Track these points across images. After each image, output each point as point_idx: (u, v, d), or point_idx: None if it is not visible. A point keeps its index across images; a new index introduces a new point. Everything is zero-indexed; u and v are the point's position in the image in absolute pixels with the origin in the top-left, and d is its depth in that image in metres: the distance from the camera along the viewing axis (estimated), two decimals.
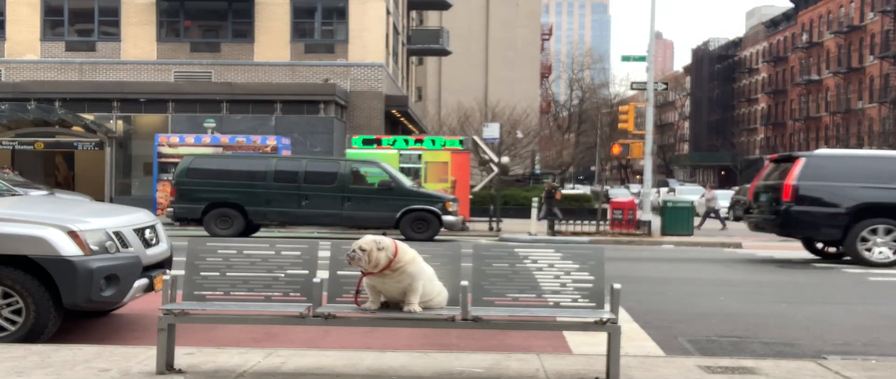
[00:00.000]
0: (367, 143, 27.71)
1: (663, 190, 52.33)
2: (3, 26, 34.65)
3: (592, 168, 79.66)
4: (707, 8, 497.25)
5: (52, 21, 35.00)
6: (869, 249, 15.95)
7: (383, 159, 23.07)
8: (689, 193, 46.07)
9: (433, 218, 20.62)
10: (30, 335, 6.88)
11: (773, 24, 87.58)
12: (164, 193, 24.87)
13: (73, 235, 6.89)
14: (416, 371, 6.10)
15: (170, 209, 21.29)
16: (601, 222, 24.48)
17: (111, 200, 28.77)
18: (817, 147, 74.23)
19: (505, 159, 38.85)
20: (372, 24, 34.83)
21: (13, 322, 6.92)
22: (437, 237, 20.53)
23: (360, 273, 5.87)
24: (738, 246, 21.26)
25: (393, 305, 5.90)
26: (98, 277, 6.91)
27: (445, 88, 69.05)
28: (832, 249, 17.71)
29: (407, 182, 21.87)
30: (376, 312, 5.87)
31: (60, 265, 6.80)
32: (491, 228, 25.84)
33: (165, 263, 8.06)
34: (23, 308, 6.89)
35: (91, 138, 29.65)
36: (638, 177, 70.16)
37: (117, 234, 7.27)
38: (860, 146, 65.14)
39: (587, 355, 6.78)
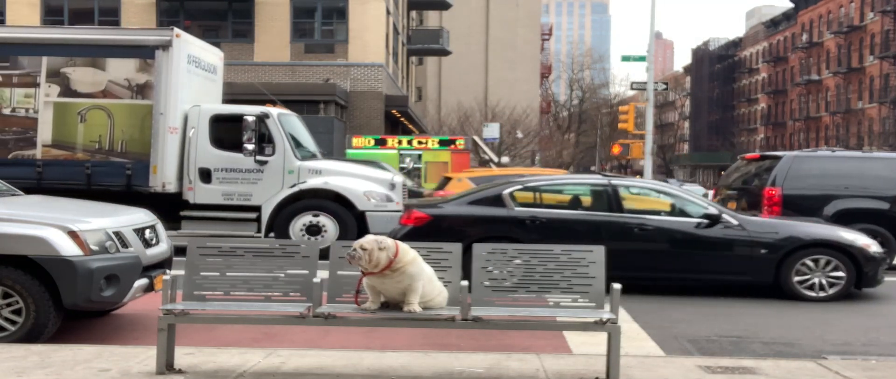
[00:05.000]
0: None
1: None
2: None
3: (592, 168, 79.61)
4: (707, 8, 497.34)
5: (52, 21, 34.96)
6: None
7: (382, 159, 22.84)
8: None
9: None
10: (30, 335, 6.87)
11: (773, 24, 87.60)
12: None
13: (73, 235, 6.88)
14: (416, 371, 6.10)
15: None
16: None
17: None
18: (818, 147, 74.32)
19: (505, 159, 38.85)
20: (372, 24, 34.81)
21: (13, 322, 6.91)
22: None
23: (360, 273, 5.87)
24: None
25: (393, 306, 5.89)
26: (98, 277, 6.90)
27: (445, 88, 69.03)
28: None
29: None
30: (376, 312, 5.86)
31: (60, 265, 6.79)
32: None
33: (165, 263, 8.05)
34: (23, 308, 6.89)
35: None
36: (638, 177, 70.24)
37: (117, 234, 7.26)
38: (860, 146, 65.22)
39: (587, 355, 6.77)
